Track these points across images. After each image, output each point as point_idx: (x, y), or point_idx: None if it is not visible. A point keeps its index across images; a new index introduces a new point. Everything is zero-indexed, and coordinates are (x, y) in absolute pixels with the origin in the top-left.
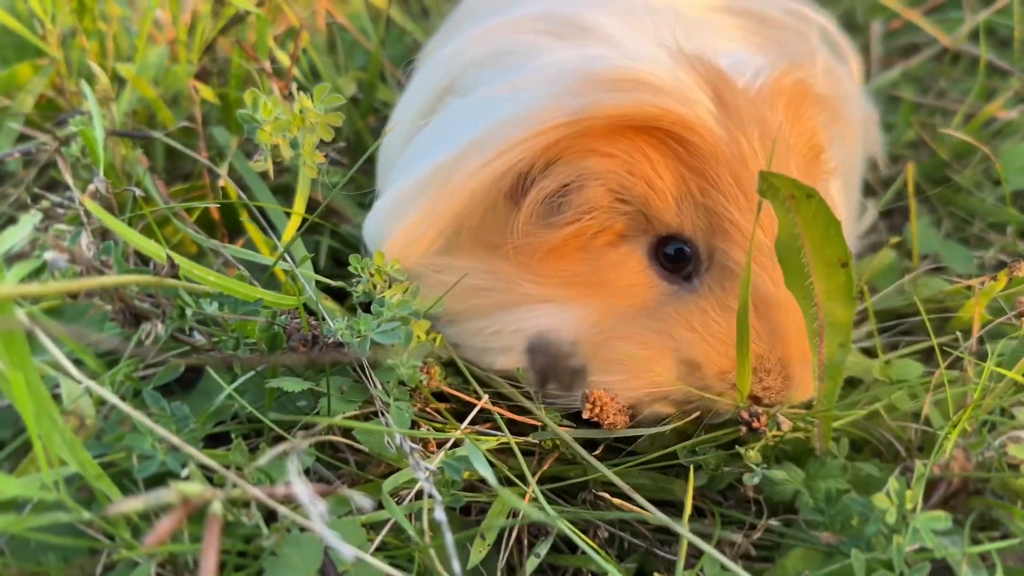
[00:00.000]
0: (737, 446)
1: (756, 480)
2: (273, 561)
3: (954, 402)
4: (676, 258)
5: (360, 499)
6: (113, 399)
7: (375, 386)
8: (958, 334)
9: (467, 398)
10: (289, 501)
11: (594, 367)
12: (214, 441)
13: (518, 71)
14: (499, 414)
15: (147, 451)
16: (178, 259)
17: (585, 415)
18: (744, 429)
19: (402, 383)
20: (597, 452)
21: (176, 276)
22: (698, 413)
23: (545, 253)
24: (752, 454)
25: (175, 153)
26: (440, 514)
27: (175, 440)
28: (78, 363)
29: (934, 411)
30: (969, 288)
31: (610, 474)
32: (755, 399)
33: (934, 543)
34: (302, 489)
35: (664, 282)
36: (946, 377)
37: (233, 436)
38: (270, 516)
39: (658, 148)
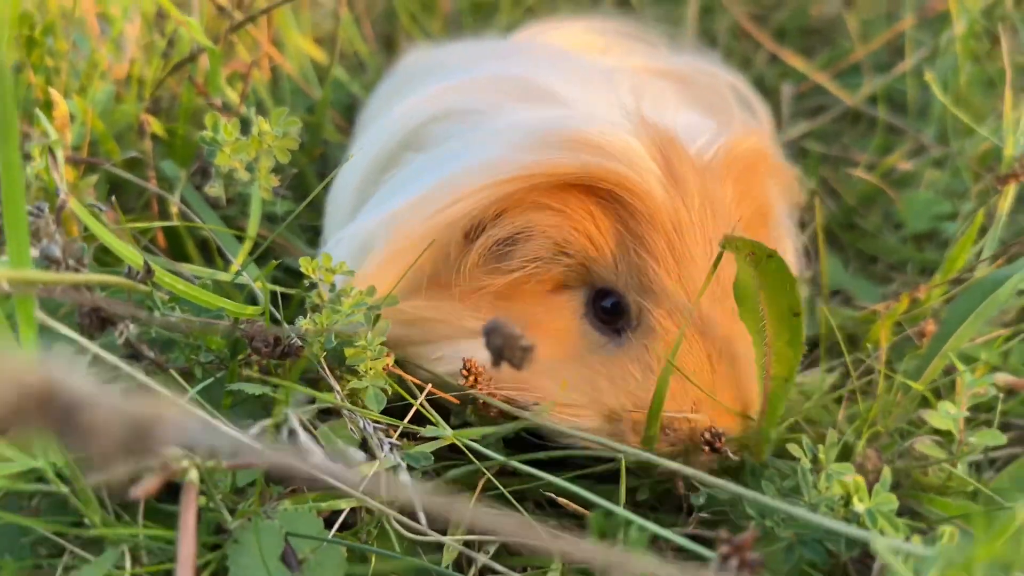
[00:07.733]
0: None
1: (702, 500)
2: (236, 548)
3: (865, 414)
4: (612, 311)
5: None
6: None
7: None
8: (869, 347)
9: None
10: None
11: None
12: None
13: (478, 130)
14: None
15: None
16: (154, 265)
17: (460, 382)
18: (707, 449)
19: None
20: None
21: (145, 283)
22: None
23: (491, 295)
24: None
25: (118, 189)
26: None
27: None
28: None
29: (845, 425)
30: (875, 313)
31: (557, 478)
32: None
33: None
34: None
35: (596, 333)
36: (858, 386)
37: None
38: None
39: (602, 207)
